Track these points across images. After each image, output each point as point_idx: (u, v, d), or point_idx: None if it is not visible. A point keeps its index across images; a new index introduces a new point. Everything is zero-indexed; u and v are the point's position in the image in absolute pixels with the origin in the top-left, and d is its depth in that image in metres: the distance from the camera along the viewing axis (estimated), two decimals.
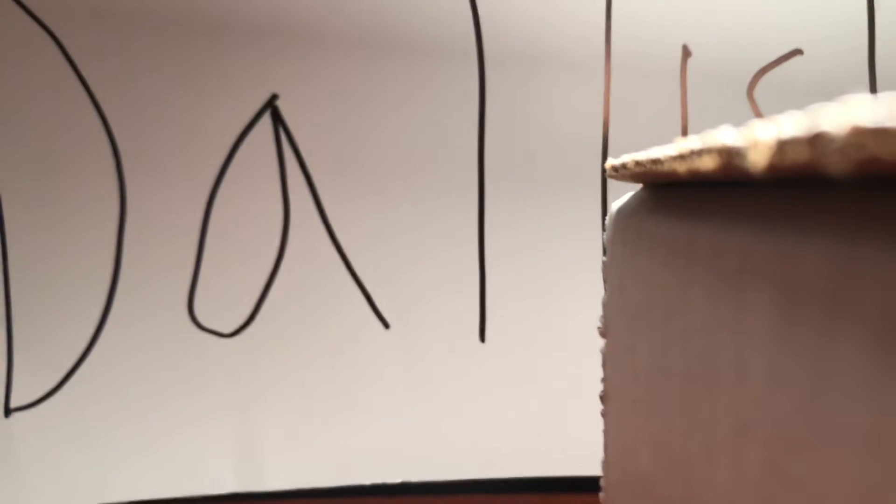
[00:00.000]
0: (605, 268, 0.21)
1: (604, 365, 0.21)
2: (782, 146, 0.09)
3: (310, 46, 0.39)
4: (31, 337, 0.37)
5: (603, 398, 0.21)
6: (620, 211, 0.20)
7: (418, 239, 0.41)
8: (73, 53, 0.36)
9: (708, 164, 0.11)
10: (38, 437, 0.37)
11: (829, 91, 0.11)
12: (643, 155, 0.16)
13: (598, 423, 0.21)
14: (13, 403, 0.37)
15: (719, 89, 0.36)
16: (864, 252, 0.08)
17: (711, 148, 0.11)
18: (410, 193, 0.41)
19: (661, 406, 0.15)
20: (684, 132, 0.36)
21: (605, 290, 0.21)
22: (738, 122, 0.12)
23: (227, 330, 0.40)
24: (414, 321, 0.41)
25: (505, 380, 0.42)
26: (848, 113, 0.08)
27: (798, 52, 0.34)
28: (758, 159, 0.10)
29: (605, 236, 0.21)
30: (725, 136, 0.11)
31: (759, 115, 0.36)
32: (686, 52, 0.35)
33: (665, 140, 0.15)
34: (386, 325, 0.42)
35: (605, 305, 0.21)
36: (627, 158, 0.17)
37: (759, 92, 0.36)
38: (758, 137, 0.10)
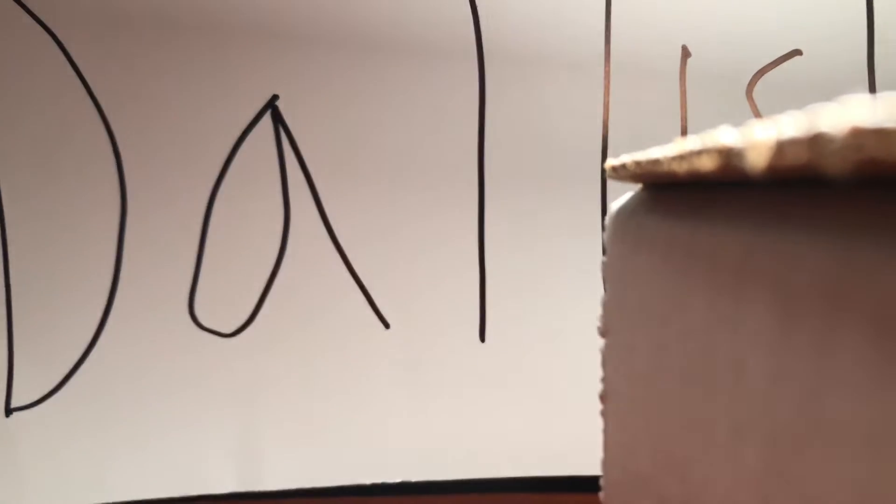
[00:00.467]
0: (605, 268, 0.21)
1: (604, 365, 0.21)
2: (782, 146, 0.09)
3: (310, 47, 0.39)
4: (31, 337, 0.37)
5: (603, 398, 0.21)
6: (620, 211, 0.20)
7: (418, 239, 0.41)
8: (75, 54, 0.36)
9: (707, 164, 0.11)
10: (38, 437, 0.37)
11: (829, 91, 0.11)
12: (643, 155, 0.16)
13: (598, 423, 0.21)
14: (13, 403, 0.37)
15: (719, 89, 0.36)
16: (864, 252, 0.08)
17: (711, 148, 0.11)
18: (410, 194, 0.41)
19: (661, 406, 0.15)
20: (684, 132, 0.36)
21: (605, 290, 0.21)
22: (737, 122, 0.12)
23: (227, 330, 0.40)
24: (414, 321, 0.41)
25: (505, 380, 0.42)
26: (847, 113, 0.08)
27: (797, 52, 0.34)
28: (757, 160, 0.10)
29: (605, 236, 0.21)
30: (725, 136, 0.11)
31: (758, 115, 0.36)
32: (686, 53, 0.35)
33: (665, 140, 0.15)
34: (386, 325, 0.42)
35: (605, 305, 0.21)
36: (627, 158, 0.17)
37: (758, 92, 0.36)
38: (757, 138, 0.10)
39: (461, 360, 0.42)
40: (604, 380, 0.21)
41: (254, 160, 0.40)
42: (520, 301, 0.41)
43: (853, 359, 0.08)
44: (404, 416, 0.42)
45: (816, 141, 0.08)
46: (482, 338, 0.42)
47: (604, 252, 0.21)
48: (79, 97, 0.36)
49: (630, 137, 0.37)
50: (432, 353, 0.42)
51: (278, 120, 0.40)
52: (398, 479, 0.40)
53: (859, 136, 0.07)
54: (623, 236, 0.20)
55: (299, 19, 0.39)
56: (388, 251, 0.41)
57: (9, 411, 0.37)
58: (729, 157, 0.11)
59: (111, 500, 0.38)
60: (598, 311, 0.21)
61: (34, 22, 0.35)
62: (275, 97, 0.40)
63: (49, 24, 0.35)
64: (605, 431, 0.21)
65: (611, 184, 0.38)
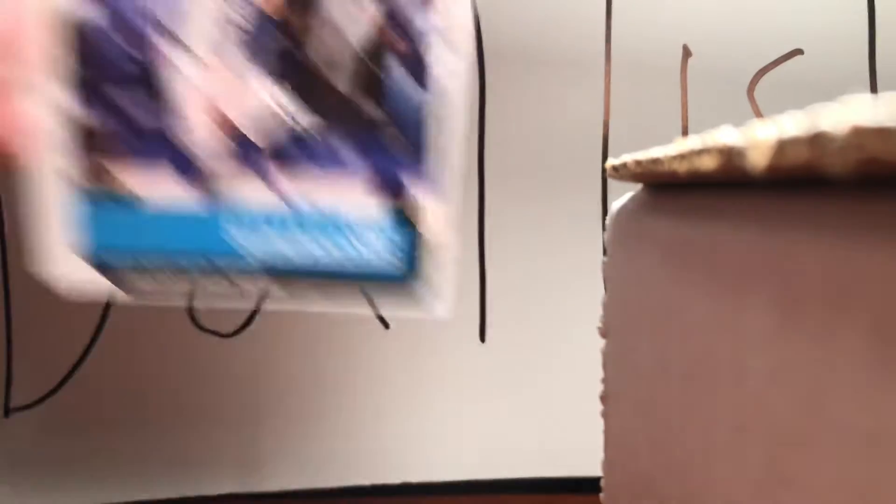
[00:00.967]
0: (605, 268, 0.21)
1: (604, 365, 0.21)
2: (782, 146, 0.09)
3: None
4: (31, 337, 0.37)
5: (603, 398, 0.21)
6: (620, 211, 0.20)
7: None
8: None
9: (708, 164, 0.11)
10: (38, 437, 0.37)
11: (829, 91, 0.11)
12: (643, 155, 0.16)
13: (598, 423, 0.21)
14: (13, 403, 0.37)
15: (719, 89, 0.36)
16: (864, 252, 0.08)
17: (711, 148, 0.11)
18: None
19: (661, 406, 0.15)
20: (684, 132, 0.36)
21: (605, 290, 0.21)
22: (738, 122, 0.12)
23: (227, 330, 0.40)
24: (414, 321, 0.41)
25: (505, 380, 0.42)
26: (848, 113, 0.08)
27: (798, 52, 0.34)
28: (758, 159, 0.10)
29: (605, 236, 0.21)
30: (725, 136, 0.11)
31: (759, 114, 0.36)
32: (686, 52, 0.35)
33: (665, 140, 0.15)
34: (386, 326, 0.42)
35: (605, 305, 0.21)
36: (627, 158, 0.17)
37: (759, 92, 0.36)
38: (758, 137, 0.10)
39: (461, 360, 0.42)
40: (604, 380, 0.21)
41: None
42: (520, 301, 0.41)
43: (853, 358, 0.08)
44: (404, 416, 0.41)
45: (817, 140, 0.08)
46: (482, 338, 0.42)
47: (604, 252, 0.21)
48: None
49: (630, 137, 0.37)
50: (432, 353, 0.42)
51: None
52: (398, 481, 0.40)
53: (860, 135, 0.07)
54: (623, 236, 0.20)
55: None
56: None
57: (8, 411, 0.37)
58: (730, 156, 0.11)
59: (111, 500, 0.38)
60: (599, 311, 0.21)
61: None
62: None
63: None
64: (606, 432, 0.21)
65: (611, 184, 0.38)
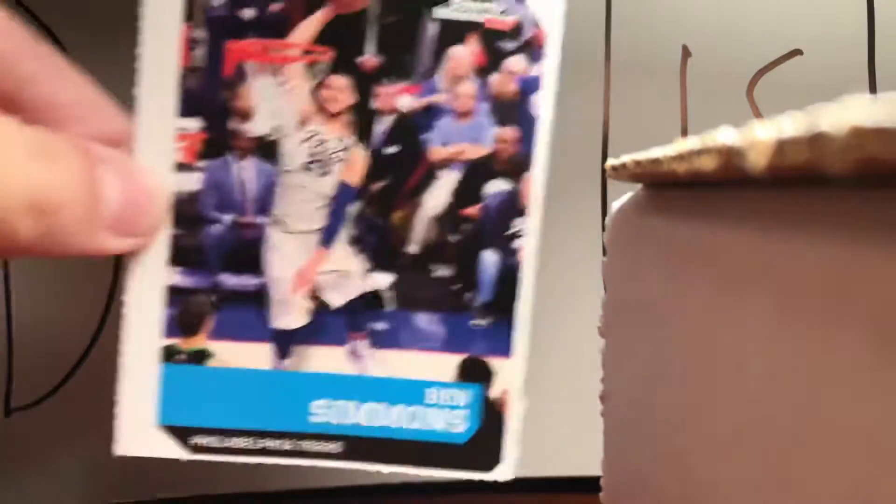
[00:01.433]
0: (605, 268, 0.21)
1: (603, 365, 0.21)
2: (782, 146, 0.09)
3: None
4: (32, 337, 0.37)
5: (603, 398, 0.21)
6: (620, 211, 0.20)
7: None
8: (74, 54, 0.36)
9: (708, 164, 0.11)
10: (38, 437, 0.37)
11: (829, 91, 0.11)
12: (643, 155, 0.16)
13: (598, 423, 0.21)
14: (13, 403, 0.37)
15: (719, 89, 0.36)
16: (864, 252, 0.08)
17: (711, 148, 0.11)
18: None
19: (660, 406, 0.15)
20: (684, 132, 0.36)
21: (605, 290, 0.21)
22: (738, 122, 0.12)
23: None
24: None
25: None
26: (848, 113, 0.08)
27: (798, 52, 0.34)
28: (758, 159, 0.10)
29: (605, 236, 0.21)
30: (725, 136, 0.11)
31: (758, 115, 0.36)
32: (686, 52, 0.35)
33: (665, 140, 0.15)
34: None
35: (605, 305, 0.21)
36: (627, 158, 0.17)
37: (759, 92, 0.36)
38: (758, 138, 0.10)
39: None
40: (604, 380, 0.21)
41: None
42: None
43: (853, 359, 0.08)
44: None
45: (817, 140, 0.08)
46: None
47: (604, 252, 0.21)
48: None
49: (630, 137, 0.37)
50: None
51: None
52: (399, 481, 0.40)
53: (860, 135, 0.07)
54: (623, 236, 0.20)
55: None
56: None
57: (8, 411, 0.37)
58: (729, 156, 0.11)
59: (112, 501, 0.38)
60: (598, 311, 0.21)
61: (34, 22, 0.35)
62: None
63: (49, 24, 0.35)
64: (606, 432, 0.21)
65: (611, 184, 0.38)
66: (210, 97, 0.22)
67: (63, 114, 0.21)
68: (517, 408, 0.22)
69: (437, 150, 0.22)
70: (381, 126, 0.22)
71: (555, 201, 0.39)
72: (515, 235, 0.22)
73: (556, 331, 0.41)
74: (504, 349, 0.22)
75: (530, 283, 0.22)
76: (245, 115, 0.21)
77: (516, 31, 0.21)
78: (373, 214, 0.22)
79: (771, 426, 0.10)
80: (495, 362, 0.22)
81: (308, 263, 0.22)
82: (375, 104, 0.21)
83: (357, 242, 0.22)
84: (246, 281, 0.22)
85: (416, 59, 0.22)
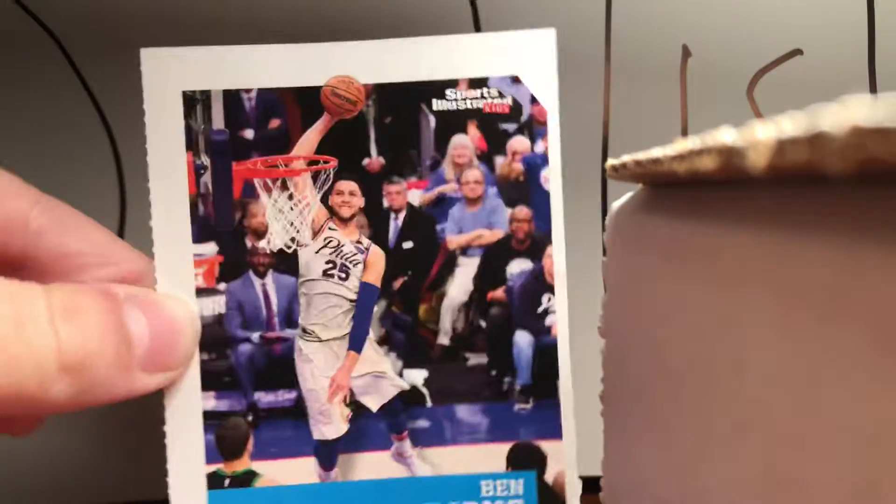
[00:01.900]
0: (605, 268, 0.21)
1: (604, 365, 0.21)
2: (782, 146, 0.09)
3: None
4: None
5: (603, 398, 0.21)
6: (620, 211, 0.20)
7: None
8: (74, 54, 0.36)
9: (708, 164, 0.11)
10: (38, 437, 0.37)
11: (829, 91, 0.11)
12: (643, 155, 0.16)
13: (598, 423, 0.21)
14: None
15: (719, 89, 0.36)
16: (864, 251, 0.08)
17: (711, 148, 0.11)
18: None
19: (660, 406, 0.15)
20: (684, 132, 0.36)
21: (605, 290, 0.21)
22: (738, 122, 0.12)
23: None
24: None
25: None
26: (848, 113, 0.08)
27: (798, 52, 0.34)
28: (758, 159, 0.10)
29: (605, 236, 0.21)
30: (725, 136, 0.11)
31: (759, 115, 0.36)
32: (686, 52, 0.35)
33: (665, 140, 0.15)
34: None
35: (605, 305, 0.21)
36: (627, 158, 0.17)
37: (759, 92, 0.36)
38: (758, 137, 0.10)
39: None
40: (604, 380, 0.21)
41: None
42: None
43: (853, 358, 0.08)
44: None
45: (817, 140, 0.08)
46: None
47: (604, 252, 0.21)
48: (79, 97, 0.36)
49: (630, 137, 0.37)
50: None
51: None
52: None
53: (860, 135, 0.07)
54: (623, 236, 0.20)
55: (295, 14, 0.39)
56: None
57: None
58: (729, 156, 0.11)
59: (112, 501, 0.38)
60: (599, 311, 0.21)
61: (34, 22, 0.35)
62: None
63: (49, 24, 0.35)
64: (606, 431, 0.21)
65: (611, 184, 0.38)
66: (222, 220, 0.22)
67: (79, 261, 0.22)
68: (576, 490, 0.22)
69: (453, 239, 0.22)
70: (395, 223, 0.22)
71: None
72: (546, 313, 0.22)
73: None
74: (553, 431, 0.21)
75: (567, 358, 0.22)
76: (259, 233, 0.22)
77: (515, 112, 0.22)
78: (399, 311, 0.22)
79: (771, 426, 0.10)
80: (546, 445, 0.21)
81: (341, 370, 0.22)
82: (386, 203, 0.22)
83: (386, 342, 0.22)
84: (281, 396, 0.22)
85: (420, 154, 0.22)
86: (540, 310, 0.22)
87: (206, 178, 0.22)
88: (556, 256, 0.22)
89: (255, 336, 0.22)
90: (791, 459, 0.10)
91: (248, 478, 0.22)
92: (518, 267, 0.22)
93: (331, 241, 0.22)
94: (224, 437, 0.22)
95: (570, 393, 0.22)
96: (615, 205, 0.21)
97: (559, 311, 0.22)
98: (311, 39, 0.21)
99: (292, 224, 0.22)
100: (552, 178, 0.22)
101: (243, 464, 0.22)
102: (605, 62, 0.36)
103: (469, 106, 0.22)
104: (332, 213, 0.22)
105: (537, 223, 0.22)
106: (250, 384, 0.22)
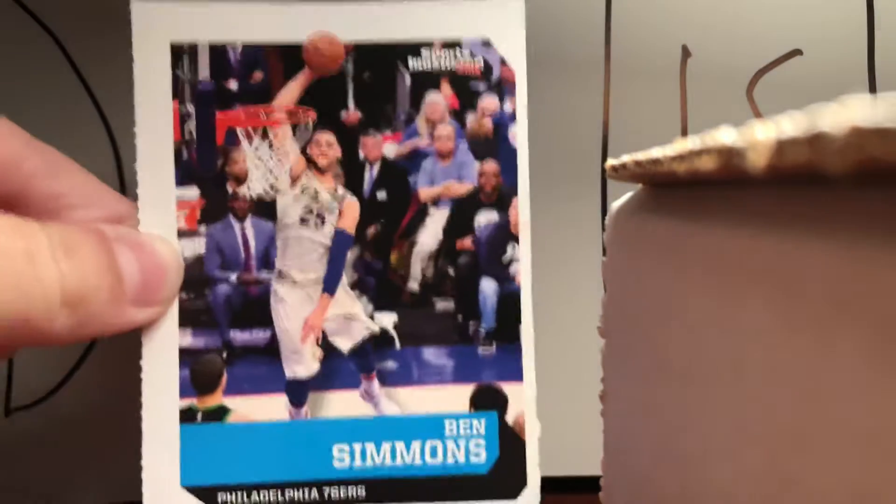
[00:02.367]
0: (605, 268, 0.21)
1: (604, 365, 0.21)
2: (782, 146, 0.09)
3: None
4: None
5: (603, 398, 0.21)
6: (620, 211, 0.20)
7: None
8: (74, 54, 0.36)
9: (707, 164, 0.11)
10: (38, 437, 0.37)
11: (829, 91, 0.11)
12: (643, 155, 0.16)
13: (598, 423, 0.21)
14: (13, 403, 0.37)
15: (719, 89, 0.36)
16: (864, 251, 0.08)
17: (711, 148, 0.11)
18: None
19: (661, 406, 0.16)
20: (684, 132, 0.36)
21: (605, 290, 0.21)
22: (738, 122, 0.12)
23: None
24: None
25: None
26: (847, 113, 0.08)
27: (798, 52, 0.34)
28: (757, 159, 0.10)
29: (605, 236, 0.21)
30: (725, 136, 0.11)
31: (758, 115, 0.36)
32: (686, 52, 0.35)
33: (665, 140, 0.15)
34: None
35: (605, 305, 0.21)
36: (627, 158, 0.17)
37: (758, 92, 0.36)
38: (757, 138, 0.10)
39: None
40: (604, 380, 0.21)
41: None
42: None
43: (853, 358, 0.08)
44: None
45: (817, 140, 0.08)
46: None
47: (604, 252, 0.21)
48: (79, 97, 0.36)
49: (630, 137, 0.37)
50: None
51: None
52: None
53: (860, 135, 0.07)
54: (623, 236, 0.20)
55: None
56: None
57: (9, 411, 0.37)
58: (729, 157, 0.11)
59: (112, 501, 0.38)
60: (599, 311, 0.21)
61: (33, 22, 0.35)
62: None
63: (49, 24, 0.35)
64: (605, 432, 0.21)
65: (611, 184, 0.38)
66: (205, 166, 0.23)
67: (67, 202, 0.22)
68: (534, 431, 0.22)
69: (424, 191, 0.22)
70: (370, 174, 0.23)
71: (555, 201, 0.40)
72: (510, 262, 0.23)
73: (556, 330, 0.41)
74: (514, 374, 0.22)
75: (530, 306, 0.22)
76: (240, 179, 0.22)
77: (485, 73, 0.22)
78: (371, 258, 0.23)
79: (771, 426, 0.10)
80: (507, 388, 0.22)
81: (314, 311, 0.22)
82: (362, 155, 0.22)
83: (358, 286, 0.22)
84: (255, 335, 0.22)
85: (395, 109, 0.22)
86: (505, 258, 0.23)
87: (191, 125, 0.23)
88: (521, 208, 0.23)
89: (233, 277, 0.23)
90: (791, 459, 0.10)
91: (220, 413, 0.22)
92: (485, 218, 0.23)
93: (308, 189, 0.23)
94: (198, 373, 0.22)
95: (531, 338, 0.23)
96: (615, 205, 0.21)
97: (523, 259, 0.23)
98: None
99: (272, 172, 0.23)
100: (519, 135, 0.23)
101: (216, 399, 0.22)
102: (605, 62, 0.36)
103: (443, 66, 0.23)
104: (310, 162, 0.23)
105: (504, 177, 0.23)
106: (226, 323, 0.23)
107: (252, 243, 0.23)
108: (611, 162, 0.18)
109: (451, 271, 0.22)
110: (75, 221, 0.21)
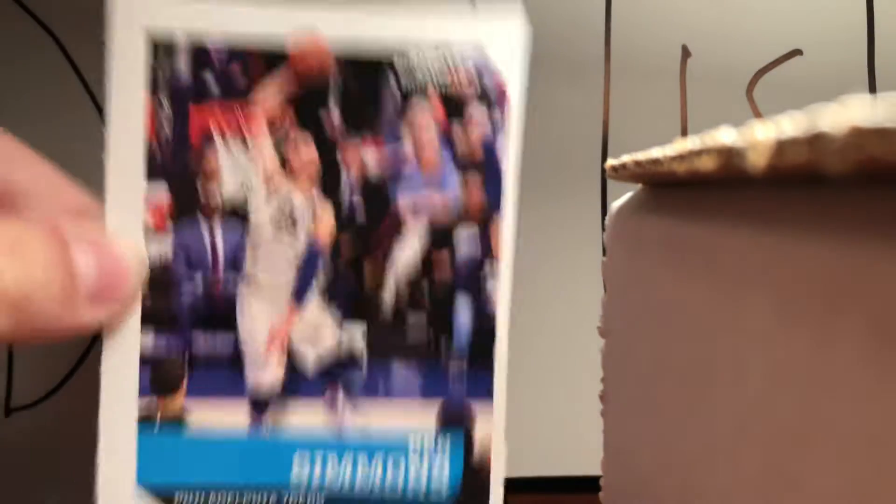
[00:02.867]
0: (605, 268, 0.21)
1: (604, 365, 0.21)
2: (782, 146, 0.09)
3: None
4: None
5: (603, 398, 0.21)
6: (620, 211, 0.20)
7: None
8: (74, 54, 0.36)
9: (707, 164, 0.11)
10: (38, 437, 0.37)
11: (829, 91, 0.11)
12: (643, 155, 0.16)
13: (598, 423, 0.21)
14: (13, 403, 0.37)
15: (719, 89, 0.36)
16: (864, 251, 0.08)
17: (711, 148, 0.11)
18: None
19: (661, 406, 0.16)
20: (684, 132, 0.36)
21: (605, 290, 0.21)
22: (738, 122, 0.12)
23: None
24: None
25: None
26: (847, 113, 0.08)
27: (798, 52, 0.34)
28: (757, 159, 0.10)
29: (605, 236, 0.21)
30: (725, 136, 0.11)
31: (758, 115, 0.36)
32: (686, 52, 0.35)
33: (665, 140, 0.15)
34: None
35: (605, 305, 0.21)
36: (627, 158, 0.17)
37: (758, 92, 0.36)
38: (757, 138, 0.10)
39: None
40: (604, 380, 0.21)
41: None
42: (519, 300, 0.40)
43: (853, 358, 0.08)
44: None
45: (817, 140, 0.08)
46: None
47: (604, 252, 0.21)
48: (79, 97, 0.36)
49: (630, 137, 0.37)
50: None
51: None
52: None
53: (860, 135, 0.07)
54: (623, 236, 0.20)
55: None
56: None
57: (8, 411, 0.37)
58: (729, 157, 0.11)
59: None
60: (599, 311, 0.21)
61: (33, 21, 0.35)
62: None
63: (49, 24, 0.35)
64: (605, 431, 0.21)
65: (611, 184, 0.38)
66: (176, 162, 0.22)
67: (24, 194, 0.22)
68: (501, 454, 0.22)
69: (404, 202, 0.22)
70: (347, 181, 0.22)
71: (555, 201, 0.39)
72: (488, 280, 0.22)
73: (556, 331, 0.41)
74: (483, 394, 0.22)
75: (505, 326, 0.22)
76: (212, 178, 0.22)
77: (476, 81, 0.22)
78: (343, 268, 0.22)
79: (771, 426, 0.10)
80: (476, 406, 0.22)
81: (281, 319, 0.22)
82: (340, 160, 0.22)
83: (329, 295, 0.22)
84: (219, 340, 0.22)
85: (378, 115, 0.22)
86: (483, 277, 0.22)
87: (164, 120, 0.22)
88: (504, 227, 0.22)
89: (199, 279, 0.22)
90: (791, 459, 0.10)
91: (180, 416, 0.22)
92: (465, 232, 0.22)
93: (282, 192, 0.22)
94: (159, 375, 0.22)
95: (504, 358, 0.22)
96: (615, 205, 0.21)
97: (502, 280, 0.22)
98: None
99: (245, 172, 0.22)
100: (508, 148, 0.22)
101: (176, 402, 0.22)
102: (605, 62, 0.36)
103: (431, 71, 0.22)
104: (286, 165, 0.22)
105: (488, 191, 0.22)
106: (190, 326, 0.22)
107: (220, 245, 0.22)
108: (611, 162, 0.18)
109: (425, 286, 0.22)
110: (31, 215, 0.21)
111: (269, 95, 0.21)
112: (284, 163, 0.22)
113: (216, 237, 0.22)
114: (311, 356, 0.22)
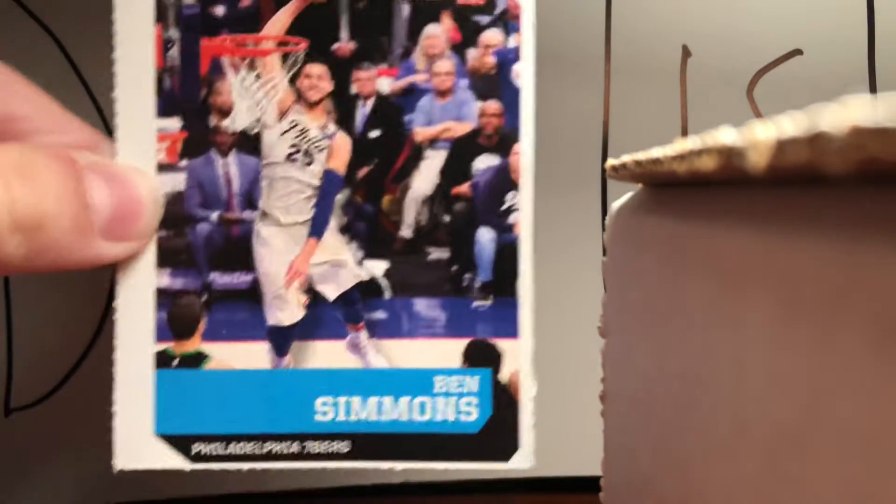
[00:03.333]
0: (605, 268, 0.21)
1: (604, 365, 0.21)
2: (782, 146, 0.09)
3: None
4: (31, 337, 0.37)
5: (603, 398, 0.21)
6: (620, 211, 0.20)
7: None
8: (74, 54, 0.36)
9: (708, 164, 0.11)
10: (38, 437, 0.37)
11: (829, 91, 0.11)
12: (643, 155, 0.16)
13: (598, 423, 0.21)
14: (13, 403, 0.37)
15: (719, 89, 0.36)
16: (864, 252, 0.08)
17: (711, 148, 0.11)
18: None
19: (660, 406, 0.15)
20: (684, 132, 0.36)
21: (605, 290, 0.21)
22: (738, 122, 0.12)
23: None
24: None
25: None
26: (848, 113, 0.08)
27: (798, 52, 0.34)
28: (758, 159, 0.10)
29: (605, 236, 0.21)
30: (725, 136, 0.11)
31: (758, 115, 0.36)
32: (686, 52, 0.35)
33: (665, 140, 0.15)
34: None
35: (605, 305, 0.21)
36: (627, 158, 0.17)
37: (758, 92, 0.36)
38: (758, 137, 0.10)
39: None
40: (604, 380, 0.21)
41: None
42: None
43: (854, 358, 0.08)
44: None
45: (817, 140, 0.08)
46: None
47: (604, 252, 0.21)
48: (79, 97, 0.36)
49: (630, 137, 0.37)
50: None
51: None
52: (399, 481, 0.40)
53: (860, 135, 0.07)
54: (623, 236, 0.20)
55: None
56: None
57: (8, 411, 0.37)
58: (729, 156, 0.11)
59: (113, 501, 0.38)
60: (598, 311, 0.21)
61: (34, 22, 0.35)
62: None
63: (49, 24, 0.35)
64: (605, 431, 0.21)
65: (611, 184, 0.38)
66: (188, 96, 0.21)
67: (27, 126, 0.21)
68: (529, 390, 0.21)
69: (420, 131, 0.21)
70: (363, 111, 0.21)
71: (555, 201, 0.40)
72: (510, 210, 0.22)
73: (556, 331, 0.41)
74: (510, 330, 0.21)
75: (529, 258, 0.21)
76: (224, 112, 0.21)
77: (489, 4, 0.21)
78: (361, 201, 0.21)
79: (771, 426, 0.10)
80: (502, 344, 0.21)
81: (299, 256, 0.21)
82: (354, 89, 0.21)
83: (348, 230, 0.21)
84: (237, 278, 0.21)
85: (392, 42, 0.21)
86: (504, 207, 0.22)
87: (174, 52, 0.22)
88: (524, 153, 0.22)
89: (214, 216, 0.22)
90: (791, 459, 0.10)
91: (197, 359, 0.21)
92: (485, 162, 0.22)
93: (296, 124, 0.21)
94: (176, 316, 0.21)
95: (529, 291, 0.21)
96: (615, 205, 0.21)
97: (524, 208, 0.22)
98: None
99: (258, 105, 0.22)
100: (524, 74, 0.22)
101: (194, 344, 0.21)
102: (605, 62, 0.36)
103: None
104: (300, 96, 0.22)
105: (507, 118, 0.22)
106: (206, 264, 0.22)
107: (235, 181, 0.21)
108: (611, 162, 0.18)
109: (446, 218, 0.21)
110: (41, 146, 0.20)
111: (281, 25, 0.21)
112: (298, 95, 0.21)
113: (230, 172, 0.21)
114: (332, 295, 0.21)
